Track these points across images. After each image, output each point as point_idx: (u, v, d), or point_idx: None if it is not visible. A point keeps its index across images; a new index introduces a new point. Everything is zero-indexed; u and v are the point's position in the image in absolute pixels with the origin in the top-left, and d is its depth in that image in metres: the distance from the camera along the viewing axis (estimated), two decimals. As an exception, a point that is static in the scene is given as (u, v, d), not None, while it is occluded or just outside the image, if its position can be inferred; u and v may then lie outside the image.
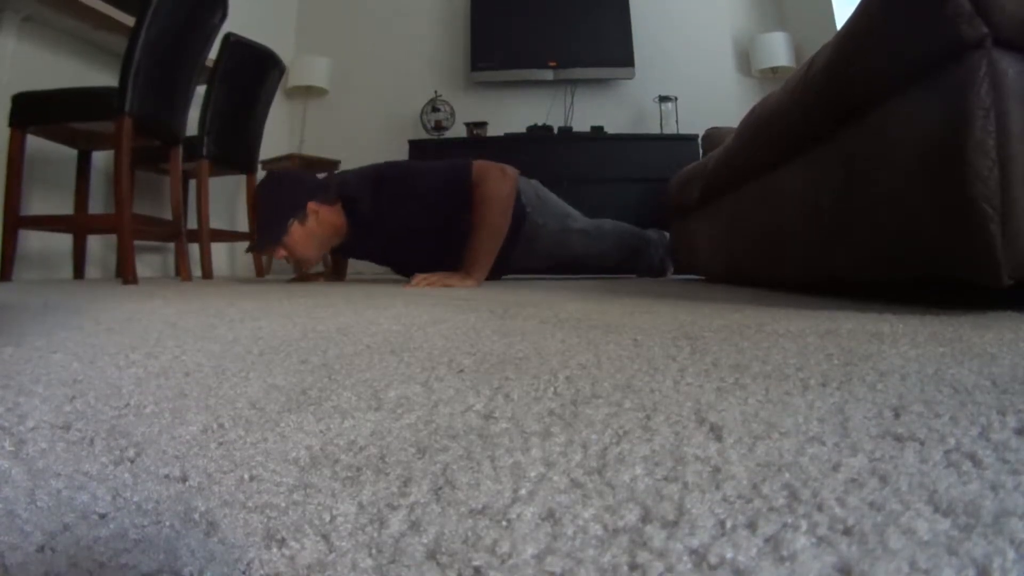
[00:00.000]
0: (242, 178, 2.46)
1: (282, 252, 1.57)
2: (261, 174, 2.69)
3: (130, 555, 0.16)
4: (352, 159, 2.50)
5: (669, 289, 1.35)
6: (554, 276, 2.33)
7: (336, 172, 1.73)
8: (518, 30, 3.23)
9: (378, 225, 1.61)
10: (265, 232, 1.54)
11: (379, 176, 1.63)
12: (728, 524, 0.17)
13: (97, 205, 2.12)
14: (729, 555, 0.15)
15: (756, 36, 3.21)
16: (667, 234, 2.17)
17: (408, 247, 1.71)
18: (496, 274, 1.59)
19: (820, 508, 0.17)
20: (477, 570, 0.15)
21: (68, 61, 2.07)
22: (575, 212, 2.02)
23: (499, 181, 1.54)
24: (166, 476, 0.22)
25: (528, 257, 1.88)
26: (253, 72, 2.28)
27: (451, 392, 0.33)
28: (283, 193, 1.57)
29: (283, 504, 0.19)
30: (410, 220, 1.60)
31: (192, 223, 2.17)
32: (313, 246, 1.59)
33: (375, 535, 0.17)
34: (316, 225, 1.56)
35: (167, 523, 0.18)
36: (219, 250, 2.75)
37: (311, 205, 1.55)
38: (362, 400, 0.32)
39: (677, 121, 3.05)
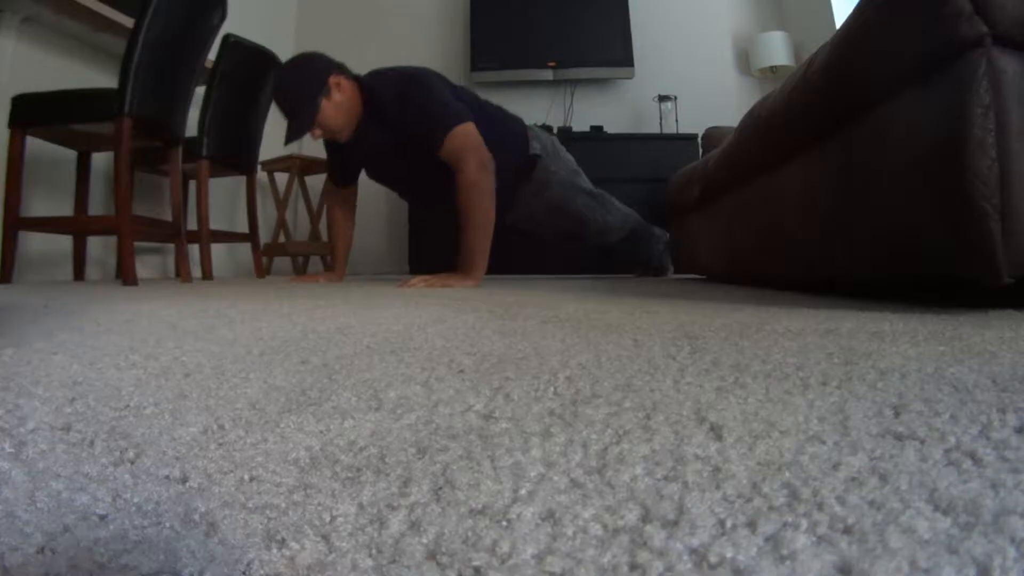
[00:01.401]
0: (242, 179, 2.46)
1: (318, 132, 1.60)
2: (261, 175, 2.69)
3: (130, 556, 0.16)
4: (352, 160, 2.50)
5: (669, 289, 1.35)
6: (554, 276, 2.33)
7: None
8: (518, 30, 3.23)
9: (379, 115, 1.63)
10: (298, 119, 1.57)
11: (397, 73, 1.66)
12: (728, 523, 0.17)
13: (97, 206, 2.12)
14: (729, 554, 0.15)
15: (755, 35, 3.21)
16: (667, 234, 2.18)
17: (393, 155, 1.71)
18: (500, 215, 1.61)
19: (820, 507, 0.17)
20: (477, 570, 0.15)
21: (68, 62, 2.07)
22: (584, 175, 2.07)
23: (478, 172, 1.54)
24: (166, 477, 0.22)
25: (533, 202, 1.90)
26: (253, 73, 2.28)
27: (451, 392, 0.33)
28: (305, 74, 1.60)
29: (283, 505, 0.19)
30: (395, 124, 1.61)
31: (192, 224, 2.17)
32: (343, 117, 1.61)
33: (375, 535, 0.17)
34: (342, 95, 1.59)
35: (167, 524, 0.18)
36: (219, 251, 2.75)
37: (332, 78, 1.58)
38: (362, 400, 0.32)
39: (677, 121, 3.05)
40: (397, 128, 1.62)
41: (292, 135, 1.61)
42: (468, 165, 1.53)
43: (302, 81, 1.59)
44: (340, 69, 1.63)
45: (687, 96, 3.12)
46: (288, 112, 1.61)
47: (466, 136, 1.56)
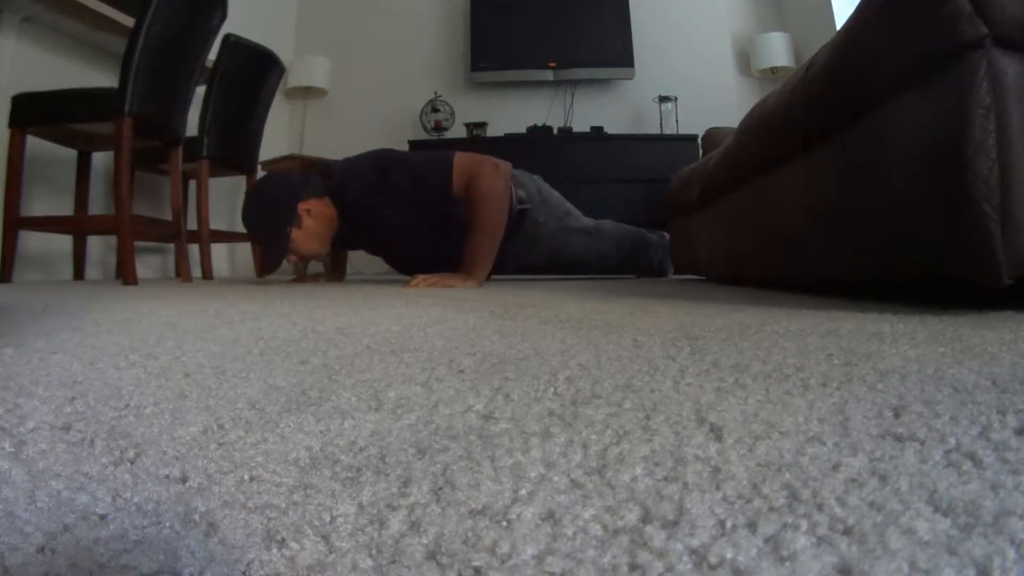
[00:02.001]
0: (242, 179, 2.46)
1: (293, 258, 1.59)
2: (261, 175, 2.69)
3: (130, 556, 0.16)
4: (352, 160, 2.50)
5: (669, 289, 1.35)
6: (554, 276, 2.33)
7: (328, 162, 1.73)
8: (518, 30, 3.23)
9: (364, 215, 1.61)
10: (269, 252, 1.57)
11: (365, 165, 1.63)
12: (728, 524, 0.17)
13: (97, 206, 2.12)
14: (729, 555, 0.15)
15: (756, 36, 3.22)
16: (667, 235, 2.17)
17: (394, 239, 1.70)
18: (494, 270, 1.59)
19: (820, 508, 0.17)
20: (477, 570, 0.15)
21: (68, 62, 2.07)
22: (576, 211, 2.01)
23: (492, 178, 1.52)
24: (166, 477, 0.22)
25: (527, 254, 1.86)
26: (253, 73, 2.28)
27: (451, 392, 0.33)
28: (270, 207, 1.57)
29: (283, 505, 0.19)
30: (390, 212, 1.59)
31: (192, 224, 2.17)
32: (317, 242, 1.60)
33: (375, 535, 0.17)
34: (313, 222, 1.57)
35: (167, 524, 0.18)
36: (219, 251, 2.75)
37: (301, 206, 1.55)
38: (362, 401, 0.32)
39: (677, 121, 3.05)
40: (388, 210, 1.59)
41: (265, 269, 1.61)
42: (481, 175, 1.51)
43: (270, 214, 1.56)
44: (309, 189, 1.58)
45: (687, 96, 3.13)
46: (260, 245, 1.61)
47: (466, 158, 1.55)
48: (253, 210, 1.61)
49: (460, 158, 1.54)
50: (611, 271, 2.11)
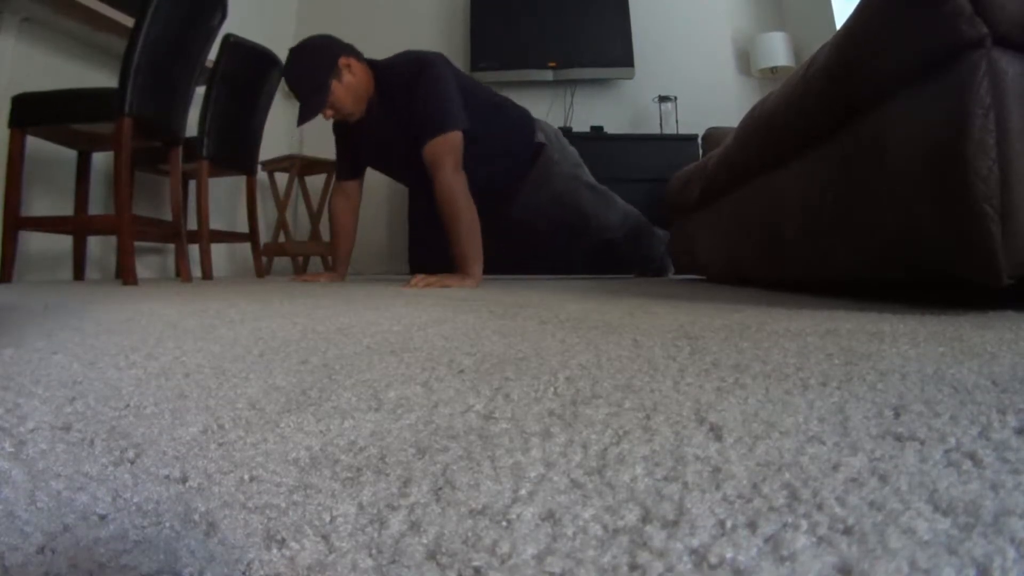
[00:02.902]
0: (242, 179, 2.46)
1: (329, 112, 1.63)
2: (261, 175, 2.69)
3: (130, 556, 0.16)
4: (352, 160, 2.50)
5: (669, 289, 1.35)
6: (553, 276, 2.33)
7: None
8: (518, 30, 3.23)
9: (389, 101, 1.65)
10: (309, 100, 1.59)
11: (410, 57, 1.68)
12: (728, 524, 0.17)
13: (97, 206, 2.12)
14: (729, 555, 0.15)
15: (756, 36, 3.21)
16: (669, 234, 2.18)
17: (402, 145, 1.72)
18: (505, 206, 1.61)
19: (820, 508, 0.17)
20: (477, 570, 0.15)
21: (68, 62, 2.07)
22: (587, 169, 2.09)
23: (453, 178, 1.56)
24: (166, 477, 0.22)
25: (536, 193, 1.92)
26: (253, 73, 2.28)
27: (451, 392, 0.33)
28: (315, 56, 1.62)
29: (283, 505, 0.19)
30: (408, 108, 1.63)
31: (192, 224, 2.17)
32: (352, 99, 1.64)
33: (375, 535, 0.17)
34: (352, 77, 1.62)
35: (167, 524, 0.18)
36: (219, 251, 2.75)
37: (342, 60, 1.60)
38: (362, 401, 0.32)
39: (677, 121, 3.05)
40: (405, 110, 1.64)
41: (304, 116, 1.63)
42: (445, 169, 1.55)
43: (313, 63, 1.61)
44: (351, 51, 1.65)
45: (687, 96, 3.12)
46: (300, 95, 1.63)
47: (450, 143, 1.58)
48: (297, 60, 1.64)
49: (446, 139, 1.57)
50: (613, 250, 2.14)
